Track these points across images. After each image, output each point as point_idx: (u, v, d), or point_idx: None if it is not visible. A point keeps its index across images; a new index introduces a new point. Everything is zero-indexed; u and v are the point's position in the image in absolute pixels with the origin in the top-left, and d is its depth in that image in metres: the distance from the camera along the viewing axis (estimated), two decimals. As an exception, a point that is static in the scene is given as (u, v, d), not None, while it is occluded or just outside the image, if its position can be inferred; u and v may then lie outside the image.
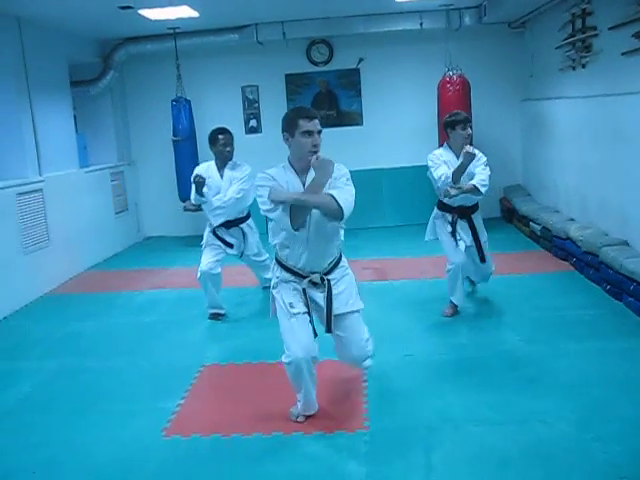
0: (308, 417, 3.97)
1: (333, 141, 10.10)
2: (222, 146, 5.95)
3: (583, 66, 7.43)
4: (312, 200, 3.59)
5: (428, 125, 9.41)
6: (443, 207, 5.70)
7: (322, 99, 10.30)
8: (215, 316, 6.07)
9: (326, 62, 10.18)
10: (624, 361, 4.59)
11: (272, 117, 10.28)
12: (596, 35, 7.00)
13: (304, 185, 3.71)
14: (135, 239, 10.44)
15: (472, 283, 6.31)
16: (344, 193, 3.64)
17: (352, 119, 10.31)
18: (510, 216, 9.81)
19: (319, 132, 3.70)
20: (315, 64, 10.21)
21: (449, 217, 5.65)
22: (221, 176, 6.01)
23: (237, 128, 10.29)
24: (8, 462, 3.71)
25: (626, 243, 6.24)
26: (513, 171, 10.20)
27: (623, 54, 6.19)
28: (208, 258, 5.96)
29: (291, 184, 3.73)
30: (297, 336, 3.74)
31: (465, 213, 5.63)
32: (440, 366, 4.67)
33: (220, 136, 5.97)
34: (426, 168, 9.45)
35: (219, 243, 6.04)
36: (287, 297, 3.82)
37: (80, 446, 3.84)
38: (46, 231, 7.59)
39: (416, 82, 9.96)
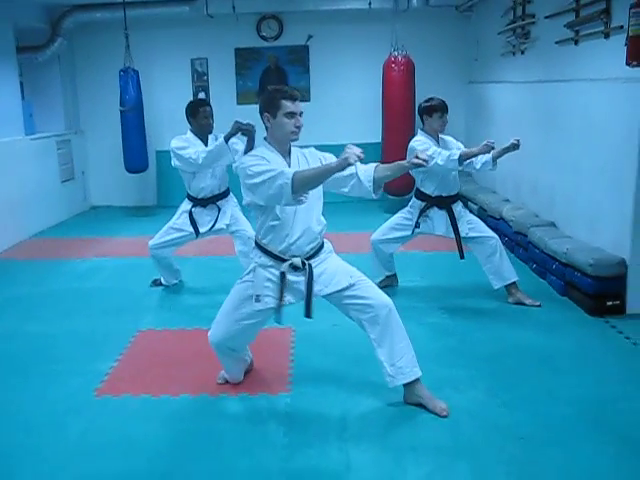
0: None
1: (281, 116, 10.27)
2: (205, 119, 5.72)
3: (522, 52, 7.69)
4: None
5: (373, 103, 9.59)
6: (420, 196, 5.61)
7: (271, 74, 10.41)
8: (157, 283, 6.19)
9: (276, 38, 10.30)
10: (541, 335, 4.88)
11: (221, 90, 10.41)
12: (534, 23, 7.25)
13: (289, 166, 3.64)
14: (81, 208, 10.47)
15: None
16: None
17: (300, 95, 10.41)
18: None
19: (301, 114, 3.68)
20: (265, 39, 10.31)
21: (421, 205, 5.57)
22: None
23: (185, 100, 10.23)
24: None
25: (553, 224, 6.53)
26: (456, 152, 10.43)
27: (557, 42, 6.44)
28: (161, 238, 5.85)
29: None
30: (228, 329, 3.80)
31: (443, 203, 5.53)
32: (363, 336, 4.86)
33: (201, 108, 5.74)
34: (372, 145, 9.76)
35: (186, 228, 5.81)
36: (257, 288, 3.71)
37: (14, 404, 3.98)
38: (-11, 197, 7.61)
39: (363, 61, 10.14)
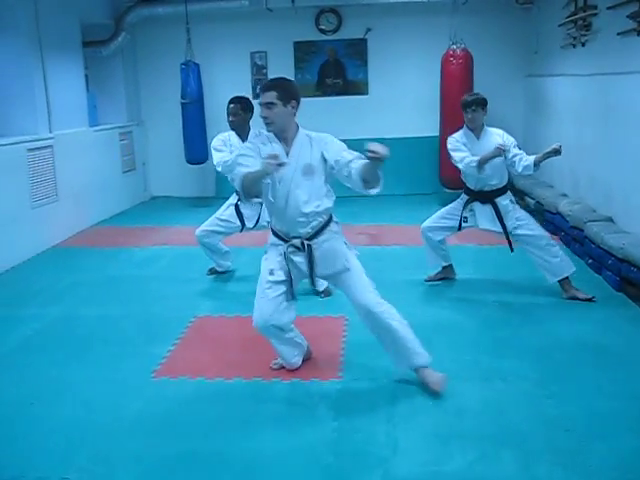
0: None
1: (338, 110, 10.36)
2: (228, 115, 5.86)
3: (583, 44, 7.59)
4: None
5: (431, 97, 9.58)
6: (466, 191, 5.70)
7: (329, 68, 10.49)
8: (213, 272, 6.34)
9: (334, 31, 10.36)
10: (594, 330, 4.84)
11: (279, 83, 10.50)
12: (596, 14, 7.15)
13: (287, 155, 3.83)
14: (141, 198, 10.73)
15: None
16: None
17: (358, 88, 10.49)
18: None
19: (268, 104, 3.77)
20: (323, 33, 10.38)
21: (465, 198, 5.66)
22: None
23: (245, 93, 10.44)
24: (8, 395, 4.02)
25: (610, 219, 6.45)
26: (514, 146, 10.34)
27: (619, 34, 6.36)
28: (207, 228, 6.01)
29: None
30: (260, 306, 3.98)
31: (486, 197, 5.55)
32: (417, 326, 4.87)
33: (229, 105, 5.87)
34: (429, 139, 9.75)
35: (233, 220, 5.94)
36: (271, 263, 3.98)
37: (75, 384, 4.15)
38: (55, 187, 7.86)
39: (421, 54, 10.11)
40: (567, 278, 5.48)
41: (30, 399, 3.92)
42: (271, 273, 3.95)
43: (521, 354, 4.42)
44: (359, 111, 10.31)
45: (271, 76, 10.46)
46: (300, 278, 4.05)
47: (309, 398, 3.88)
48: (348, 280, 3.94)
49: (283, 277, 3.95)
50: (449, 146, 5.55)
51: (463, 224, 5.65)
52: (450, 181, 9.18)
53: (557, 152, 5.14)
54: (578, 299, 5.41)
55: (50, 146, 7.81)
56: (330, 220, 4.02)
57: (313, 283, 4.07)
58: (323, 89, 10.57)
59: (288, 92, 3.79)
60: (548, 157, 5.24)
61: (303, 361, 4.28)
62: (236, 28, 10.36)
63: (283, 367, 4.23)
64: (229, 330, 5.02)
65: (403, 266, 6.44)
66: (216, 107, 10.29)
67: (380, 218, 8.63)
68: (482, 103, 5.46)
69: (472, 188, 5.60)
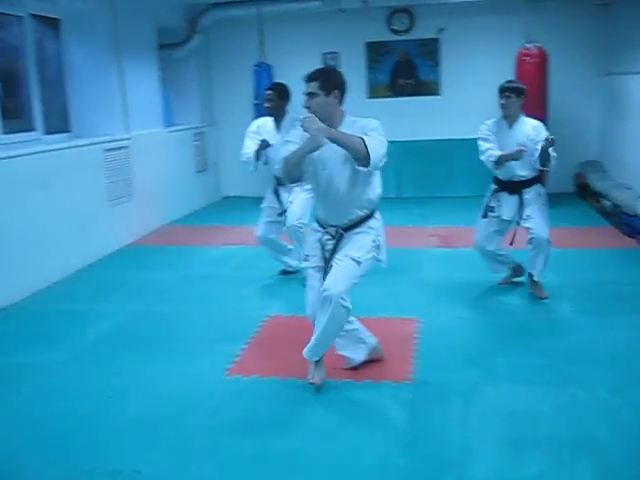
0: (359, 367, 4.26)
1: (410, 110, 10.31)
2: (264, 101, 6.02)
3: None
4: (343, 138, 3.67)
5: (504, 97, 9.43)
6: (495, 181, 5.61)
7: (401, 68, 10.46)
8: (284, 272, 6.39)
9: (406, 31, 10.31)
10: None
11: (351, 84, 10.41)
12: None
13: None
14: (214, 198, 10.90)
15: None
16: (374, 142, 3.70)
17: (429, 89, 10.42)
18: (583, 192, 9.77)
19: (310, 94, 3.79)
20: (395, 33, 10.34)
21: (494, 189, 5.57)
22: (278, 131, 5.98)
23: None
24: (85, 388, 4.13)
25: (691, 222, 6.27)
26: (589, 146, 10.13)
27: None
28: (261, 223, 6.21)
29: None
30: (308, 294, 4.08)
31: (515, 188, 5.46)
32: (490, 329, 4.89)
33: (266, 91, 6.05)
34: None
35: (275, 205, 6.13)
36: (309, 248, 4.10)
37: (151, 378, 4.25)
38: (130, 186, 8.05)
39: (494, 53, 9.93)
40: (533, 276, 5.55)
41: (107, 392, 4.03)
42: (306, 259, 4.11)
43: (596, 360, 4.33)
44: (431, 111, 10.24)
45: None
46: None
47: (381, 400, 3.87)
48: (340, 263, 3.87)
49: (318, 263, 4.01)
50: (479, 133, 5.50)
51: (489, 213, 5.53)
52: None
53: (520, 154, 5.12)
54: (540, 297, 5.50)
55: (126, 147, 7.99)
56: (371, 215, 4.00)
57: (326, 267, 3.96)
58: (395, 89, 10.53)
59: (330, 82, 3.79)
60: (511, 158, 5.21)
61: (369, 361, 4.27)
62: (308, 29, 10.42)
63: (354, 367, 4.23)
64: (301, 330, 5.00)
65: (472, 268, 6.35)
66: (289, 108, 10.39)
67: (450, 220, 8.55)
68: (517, 90, 5.34)
69: (501, 178, 5.49)
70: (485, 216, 5.55)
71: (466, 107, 10.20)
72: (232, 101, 10.75)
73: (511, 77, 9.06)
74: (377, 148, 3.70)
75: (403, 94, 10.49)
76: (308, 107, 3.79)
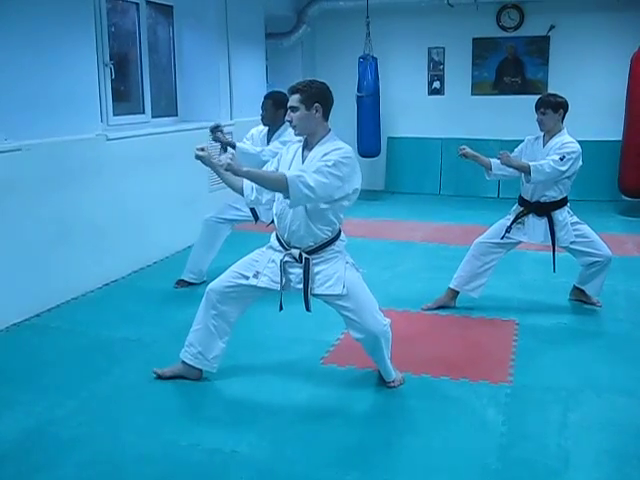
0: (454, 365, 4.24)
1: (515, 109, 10.08)
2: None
3: None
4: (253, 175, 3.51)
5: (615, 100, 9.13)
6: (520, 200, 5.20)
7: (508, 65, 10.25)
8: (181, 284, 6.08)
9: (515, 28, 10.08)
10: None
11: (456, 80, 10.41)
12: None
13: (303, 160, 3.68)
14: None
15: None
16: (314, 176, 3.45)
17: (536, 88, 10.13)
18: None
19: (293, 109, 3.62)
20: (504, 29, 10.13)
21: (518, 210, 5.16)
22: (269, 142, 5.69)
23: (420, 89, 10.58)
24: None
25: None
26: None
27: None
28: (219, 214, 6.02)
29: (297, 157, 3.73)
30: (227, 278, 3.88)
31: (542, 210, 5.06)
32: (593, 337, 4.76)
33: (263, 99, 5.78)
34: (609, 144, 9.29)
35: (244, 209, 5.78)
36: (261, 265, 3.82)
37: (248, 364, 4.33)
38: (231, 172, 8.16)
39: (608, 53, 9.61)
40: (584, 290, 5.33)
41: (206, 374, 4.10)
42: (255, 276, 3.80)
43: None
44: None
45: (448, 72, 10.44)
46: (290, 291, 3.82)
47: (477, 400, 3.82)
48: (346, 305, 3.74)
49: (265, 285, 3.78)
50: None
51: (506, 235, 5.11)
52: (631, 188, 8.77)
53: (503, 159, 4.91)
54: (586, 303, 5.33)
55: (230, 132, 8.10)
56: (337, 237, 3.78)
57: (306, 301, 3.75)
58: (500, 87, 10.33)
59: (312, 95, 3.61)
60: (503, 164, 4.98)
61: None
62: (415, 23, 10.34)
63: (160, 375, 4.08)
64: (398, 324, 4.99)
65: (572, 273, 6.16)
66: (391, 102, 10.40)
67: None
68: (553, 105, 4.99)
69: (527, 199, 5.11)
70: (502, 237, 5.14)
71: (574, 108, 9.84)
72: (335, 92, 10.50)
73: (624, 81, 8.80)
74: (309, 183, 3.42)
75: (508, 92, 10.27)
76: (290, 121, 3.63)
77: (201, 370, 4.05)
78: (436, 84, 10.48)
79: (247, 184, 3.80)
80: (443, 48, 10.43)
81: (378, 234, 7.91)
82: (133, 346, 4.61)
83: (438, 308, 5.26)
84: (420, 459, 3.25)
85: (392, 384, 3.96)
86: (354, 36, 9.87)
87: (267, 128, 5.77)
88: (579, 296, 5.37)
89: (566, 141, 4.97)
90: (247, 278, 3.82)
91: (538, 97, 5.11)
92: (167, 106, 7.94)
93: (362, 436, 3.45)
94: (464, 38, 10.28)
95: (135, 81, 7.34)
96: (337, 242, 3.77)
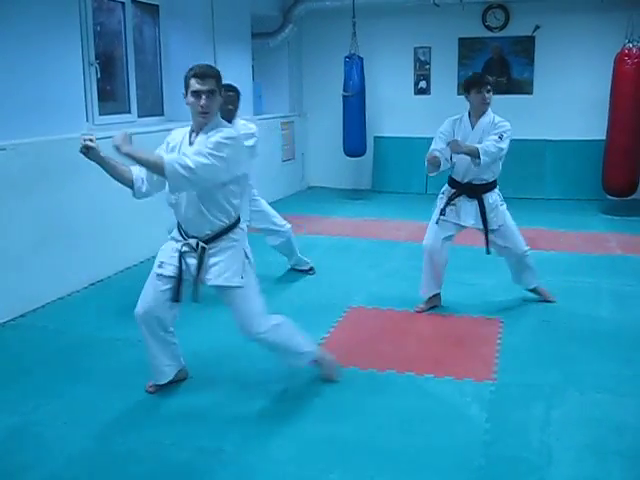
0: (439, 363, 4.27)
1: (501, 108, 10.02)
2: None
3: None
4: (136, 155, 3.39)
5: (600, 99, 9.17)
6: (451, 182, 5.12)
7: (494, 65, 10.26)
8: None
9: (501, 28, 10.09)
10: None
11: (442, 80, 10.44)
12: None
13: (190, 144, 3.55)
14: (299, 187, 10.99)
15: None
16: (195, 156, 3.36)
17: (522, 88, 10.20)
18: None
19: (211, 92, 3.49)
20: (490, 29, 10.15)
21: (450, 192, 5.09)
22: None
23: (406, 88, 10.61)
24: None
25: None
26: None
27: None
28: None
29: (184, 141, 3.61)
30: (145, 293, 3.74)
31: (474, 191, 5.00)
32: (576, 335, 4.78)
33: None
34: (593, 143, 9.34)
35: None
36: (164, 255, 3.72)
37: (232, 361, 4.35)
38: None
39: (592, 53, 9.63)
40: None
41: (191, 373, 4.12)
42: (160, 266, 3.70)
43: None
44: (522, 111, 9.91)
45: (434, 72, 10.46)
46: (189, 279, 3.68)
47: (462, 397, 3.85)
48: (237, 299, 3.65)
49: (171, 273, 3.65)
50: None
51: (440, 217, 5.06)
52: (615, 187, 8.83)
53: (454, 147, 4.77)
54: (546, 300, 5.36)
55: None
56: (235, 225, 3.68)
57: (195, 290, 3.64)
58: (486, 87, 10.35)
59: (220, 79, 3.61)
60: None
61: (176, 381, 4.02)
62: (401, 23, 10.35)
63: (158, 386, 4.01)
64: (383, 322, 5.06)
65: (558, 272, 6.23)
66: (377, 101, 10.43)
67: (537, 222, 8.36)
68: (492, 84, 5.06)
69: (459, 180, 5.04)
70: (437, 221, 5.10)
71: (559, 108, 9.98)
72: (321, 92, 10.80)
73: (608, 80, 8.84)
74: (189, 164, 3.32)
75: (495, 92, 10.21)
76: (202, 107, 3.49)
77: (183, 370, 4.07)
78: (422, 84, 10.51)
79: (137, 176, 3.64)
80: (429, 48, 10.46)
81: (364, 233, 7.93)
82: (119, 345, 4.61)
83: (430, 308, 5.26)
84: (404, 456, 3.27)
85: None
86: (340, 36, 9.87)
87: None
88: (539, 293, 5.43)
89: (497, 120, 4.94)
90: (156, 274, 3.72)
91: (475, 78, 5.16)
92: (153, 106, 7.93)
93: (345, 431, 3.47)
94: (450, 38, 10.30)
95: (121, 80, 7.33)
96: (235, 230, 3.66)
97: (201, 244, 3.57)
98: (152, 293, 3.70)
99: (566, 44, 9.84)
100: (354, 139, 9.87)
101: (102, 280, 6.04)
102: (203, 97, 3.47)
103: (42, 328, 4.99)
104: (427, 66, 10.51)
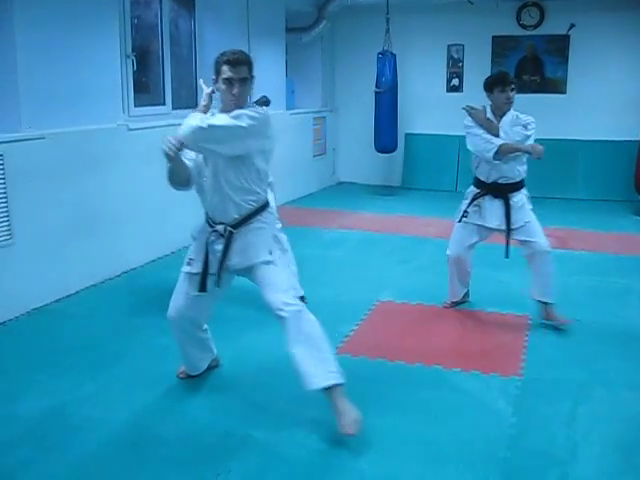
0: (466, 358, 4.30)
1: (534, 107, 9.96)
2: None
3: None
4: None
5: (634, 100, 9.12)
6: (476, 183, 4.97)
7: (527, 64, 10.23)
8: None
9: (535, 26, 10.05)
10: None
11: (474, 77, 10.35)
12: None
13: None
14: (329, 182, 11.05)
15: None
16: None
17: (555, 87, 10.15)
18: None
19: (243, 80, 3.41)
20: (524, 27, 10.11)
21: (474, 193, 4.94)
22: None
23: (439, 85, 10.59)
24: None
25: None
26: None
27: None
28: None
29: None
30: (176, 297, 3.70)
31: (500, 192, 4.83)
32: (604, 334, 4.77)
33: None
34: (626, 143, 9.26)
35: None
36: (192, 251, 3.65)
37: (261, 349, 4.41)
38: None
39: (627, 52, 9.58)
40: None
41: (222, 361, 4.19)
42: (189, 263, 3.63)
43: None
44: (555, 110, 9.91)
45: (467, 70, 10.44)
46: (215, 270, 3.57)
47: (488, 391, 3.87)
48: (263, 274, 3.49)
49: (199, 270, 3.56)
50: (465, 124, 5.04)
51: (463, 219, 4.94)
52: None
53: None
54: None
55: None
56: (263, 209, 3.59)
57: (219, 278, 3.53)
58: (519, 86, 10.25)
59: (252, 65, 3.51)
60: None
61: (210, 368, 4.08)
62: (435, 20, 10.35)
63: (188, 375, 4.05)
64: (411, 317, 5.10)
65: (589, 271, 6.22)
66: (409, 98, 10.43)
67: (568, 222, 8.34)
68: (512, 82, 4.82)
69: (484, 180, 4.88)
70: (460, 221, 4.98)
71: (592, 108, 9.90)
72: (354, 88, 10.84)
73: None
74: (208, 121, 3.28)
75: (527, 91, 10.21)
76: (235, 95, 3.41)
77: (216, 359, 4.13)
78: (455, 81, 10.50)
79: (194, 172, 3.54)
80: (462, 45, 10.44)
81: (393, 229, 7.96)
82: (150, 332, 4.69)
83: (459, 304, 5.28)
84: (431, 448, 3.31)
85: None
86: (373, 32, 9.90)
87: None
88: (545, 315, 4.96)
89: (519, 114, 4.81)
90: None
91: (498, 77, 4.93)
92: (187, 98, 8.00)
93: (373, 424, 3.50)
94: (484, 36, 10.27)
95: (156, 73, 7.43)
96: (264, 213, 3.58)
97: (229, 229, 3.50)
98: (183, 299, 3.66)
99: (601, 43, 9.77)
100: (385, 135, 9.90)
101: (136, 268, 6.15)
102: (236, 85, 3.39)
103: (75, 314, 5.10)
104: (460, 64, 10.50)
